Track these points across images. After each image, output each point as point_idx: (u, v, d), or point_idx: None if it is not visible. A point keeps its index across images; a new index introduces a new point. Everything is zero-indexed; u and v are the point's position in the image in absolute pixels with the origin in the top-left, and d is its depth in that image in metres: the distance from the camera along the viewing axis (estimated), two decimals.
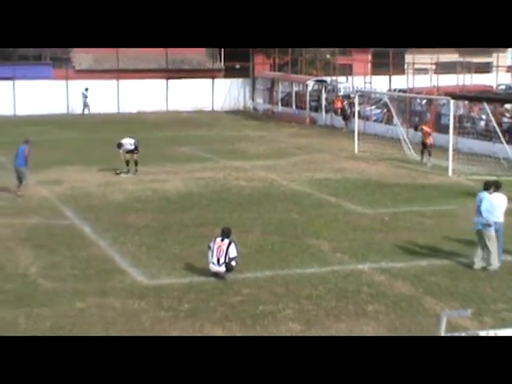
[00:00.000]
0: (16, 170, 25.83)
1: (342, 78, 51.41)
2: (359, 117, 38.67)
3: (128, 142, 30.30)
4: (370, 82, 49.63)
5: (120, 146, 30.11)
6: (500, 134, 33.24)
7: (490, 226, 17.69)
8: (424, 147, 32.49)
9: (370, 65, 54.51)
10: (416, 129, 34.14)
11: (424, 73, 51.17)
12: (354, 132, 36.53)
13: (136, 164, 30.05)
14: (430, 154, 32.33)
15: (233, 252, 17.13)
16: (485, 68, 57.21)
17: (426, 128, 33.21)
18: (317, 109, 49.02)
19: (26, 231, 21.20)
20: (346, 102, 44.98)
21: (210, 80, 55.16)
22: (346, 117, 43.82)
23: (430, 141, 32.39)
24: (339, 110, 45.62)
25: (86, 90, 51.36)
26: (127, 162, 29.99)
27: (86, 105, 51.52)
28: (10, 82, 50.46)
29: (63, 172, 30.03)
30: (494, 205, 17.95)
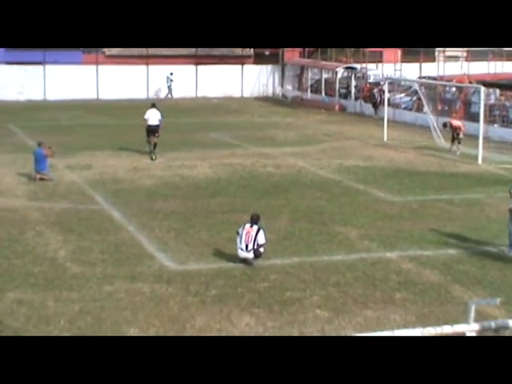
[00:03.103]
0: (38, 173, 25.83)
1: (371, 65, 51.18)
2: (389, 104, 38.48)
3: (152, 115, 30.25)
4: (400, 70, 49.37)
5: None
6: None
7: None
8: (457, 136, 32.09)
9: (400, 52, 54.19)
10: (445, 126, 33.59)
11: (455, 60, 50.80)
12: (383, 119, 36.38)
13: (154, 147, 29.95)
14: (459, 142, 32.09)
15: (261, 239, 17.15)
16: None
17: (454, 123, 32.89)
18: (346, 96, 48.89)
19: (55, 215, 21.34)
20: (375, 90, 44.72)
21: (239, 66, 55.14)
22: (376, 104, 43.52)
23: (462, 132, 32.06)
24: (368, 98, 45.45)
25: (171, 74, 52.12)
26: (149, 144, 30.03)
27: (170, 89, 52.19)
28: (40, 67, 50.79)
29: (93, 157, 30.16)
30: None
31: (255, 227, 17.24)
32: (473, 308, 9.09)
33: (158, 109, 30.78)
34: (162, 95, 52.62)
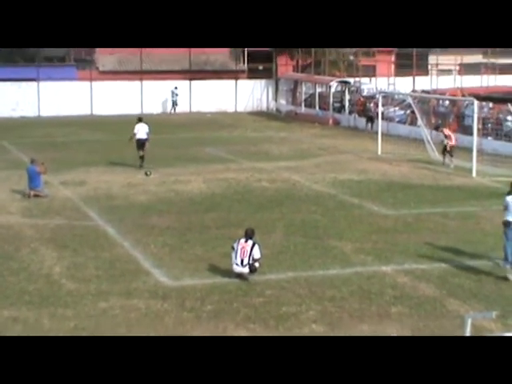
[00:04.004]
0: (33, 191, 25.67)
1: (365, 79, 51.28)
2: (383, 118, 38.55)
3: (140, 129, 31.02)
4: (394, 83, 49.47)
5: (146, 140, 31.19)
6: None
7: None
8: (445, 149, 32.29)
9: (393, 66, 54.33)
10: (437, 129, 33.76)
11: (448, 74, 50.93)
12: (377, 133, 36.42)
13: (142, 159, 30.76)
14: (451, 155, 32.12)
15: (256, 253, 17.12)
16: (509, 69, 56.85)
17: (445, 131, 33.05)
18: (340, 110, 48.96)
19: (49, 232, 21.30)
20: (371, 104, 44.68)
21: (233, 81, 55.21)
22: (372, 119, 43.27)
23: (450, 143, 32.14)
24: (362, 111, 45.49)
25: (176, 88, 52.56)
26: (142, 158, 30.78)
27: (175, 103, 52.56)
28: (34, 84, 50.82)
29: (87, 173, 30.14)
30: None
31: (250, 242, 17.22)
32: (469, 321, 9.09)
33: (145, 123, 31.63)
34: (169, 109, 52.93)
